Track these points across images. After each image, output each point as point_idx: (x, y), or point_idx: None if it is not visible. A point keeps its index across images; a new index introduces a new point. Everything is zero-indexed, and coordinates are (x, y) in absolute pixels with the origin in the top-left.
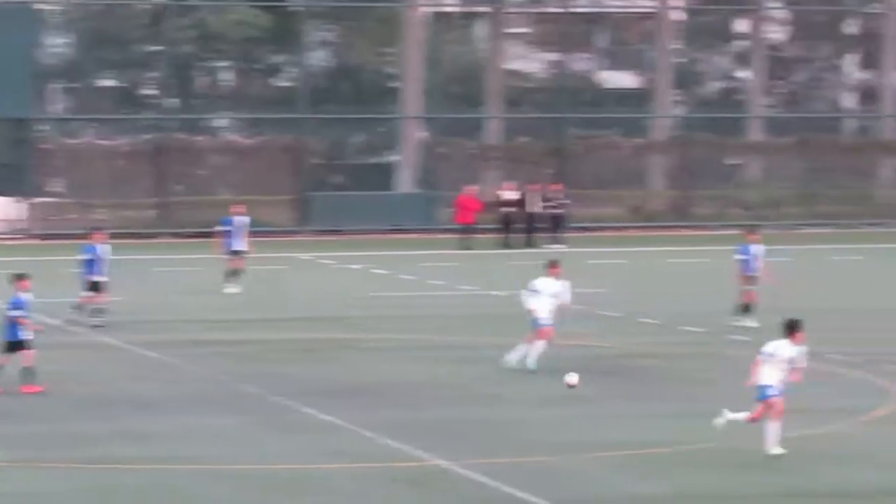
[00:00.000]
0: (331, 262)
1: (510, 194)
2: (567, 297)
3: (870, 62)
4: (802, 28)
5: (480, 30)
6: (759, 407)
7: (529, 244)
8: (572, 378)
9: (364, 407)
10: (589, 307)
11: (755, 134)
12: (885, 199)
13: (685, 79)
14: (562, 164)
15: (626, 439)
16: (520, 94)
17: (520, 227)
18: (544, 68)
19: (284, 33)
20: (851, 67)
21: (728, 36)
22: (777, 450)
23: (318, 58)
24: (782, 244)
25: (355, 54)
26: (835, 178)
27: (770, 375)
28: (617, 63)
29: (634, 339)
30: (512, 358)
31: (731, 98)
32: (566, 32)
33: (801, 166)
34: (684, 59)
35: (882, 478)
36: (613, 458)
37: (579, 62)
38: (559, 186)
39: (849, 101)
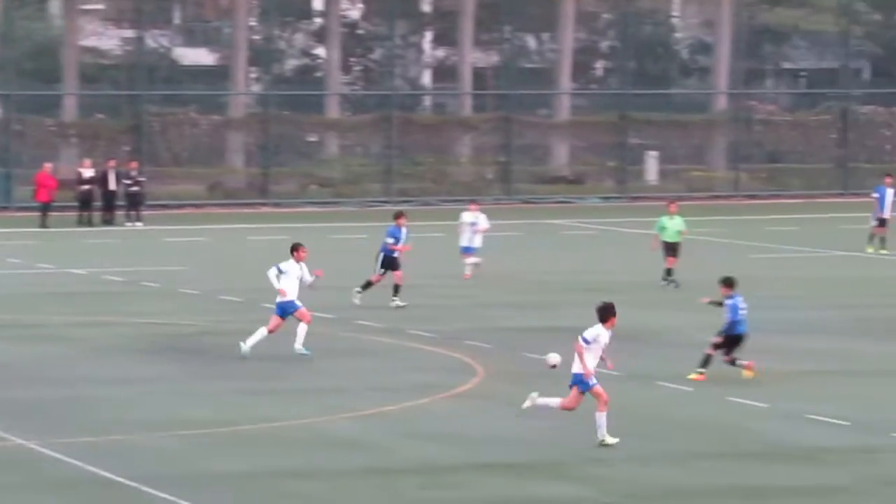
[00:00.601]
0: None
1: (88, 172)
2: (308, 278)
3: (447, 40)
4: (379, 5)
5: (55, 5)
6: (572, 394)
7: (108, 222)
8: (553, 358)
9: None
10: (169, 285)
11: (334, 111)
12: (462, 175)
13: (263, 56)
14: (139, 142)
15: (209, 417)
16: (96, 70)
17: (98, 204)
18: (121, 45)
19: None
20: (429, 45)
21: (306, 13)
22: (610, 439)
23: None
24: (363, 221)
25: None
26: (413, 155)
27: (589, 363)
28: (194, 39)
29: (215, 316)
30: (248, 344)
31: (309, 75)
32: (142, 9)
33: (380, 143)
34: (262, 36)
35: (461, 453)
36: (195, 435)
37: (156, 38)
38: (136, 164)
39: (427, 78)
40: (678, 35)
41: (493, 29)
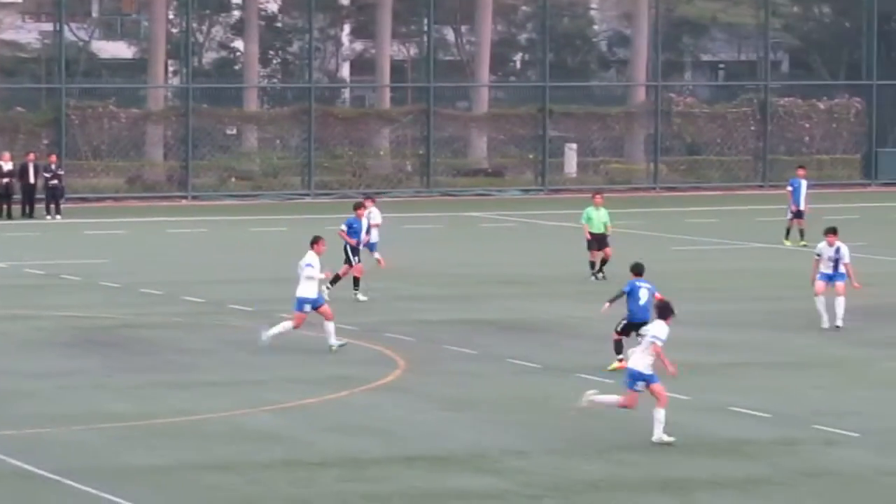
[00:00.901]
0: None
1: (7, 165)
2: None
3: (365, 32)
4: None
5: None
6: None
7: (29, 215)
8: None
9: None
10: (89, 278)
11: (253, 104)
12: (381, 168)
13: (182, 49)
14: (59, 135)
15: (129, 410)
16: (15, 63)
17: (18, 197)
18: (39, 38)
19: None
20: (347, 37)
21: (224, 6)
22: (667, 438)
23: None
24: (282, 214)
25: None
26: (333, 148)
27: (640, 360)
28: (113, 33)
29: (135, 309)
30: (335, 343)
31: (228, 68)
32: (61, 2)
33: (299, 136)
34: (181, 30)
35: (381, 446)
36: (116, 429)
37: (75, 32)
38: (56, 157)
39: (345, 71)
40: (597, 27)
41: (412, 21)
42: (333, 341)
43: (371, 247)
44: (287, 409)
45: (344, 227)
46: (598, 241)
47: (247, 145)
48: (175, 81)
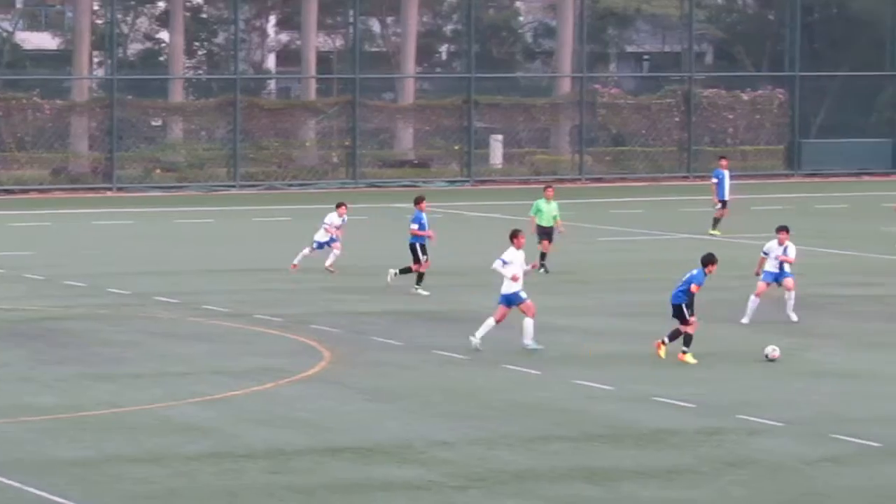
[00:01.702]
0: None
1: None
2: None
3: (291, 24)
4: None
5: None
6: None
7: None
8: (774, 351)
9: None
10: (14, 270)
11: (178, 95)
12: (307, 160)
13: (107, 40)
14: None
15: (54, 403)
16: None
17: None
18: None
19: None
20: (273, 29)
21: None
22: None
23: None
24: (208, 206)
25: None
26: (258, 139)
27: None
28: (37, 24)
29: (60, 301)
30: (478, 335)
31: (153, 59)
32: None
33: (225, 127)
34: (106, 21)
35: (307, 438)
36: (41, 422)
37: None
38: None
39: (271, 62)
40: (522, 19)
41: (338, 13)
42: (528, 342)
43: (322, 246)
44: (213, 401)
45: (415, 226)
46: (546, 234)
47: (172, 136)
48: (100, 73)
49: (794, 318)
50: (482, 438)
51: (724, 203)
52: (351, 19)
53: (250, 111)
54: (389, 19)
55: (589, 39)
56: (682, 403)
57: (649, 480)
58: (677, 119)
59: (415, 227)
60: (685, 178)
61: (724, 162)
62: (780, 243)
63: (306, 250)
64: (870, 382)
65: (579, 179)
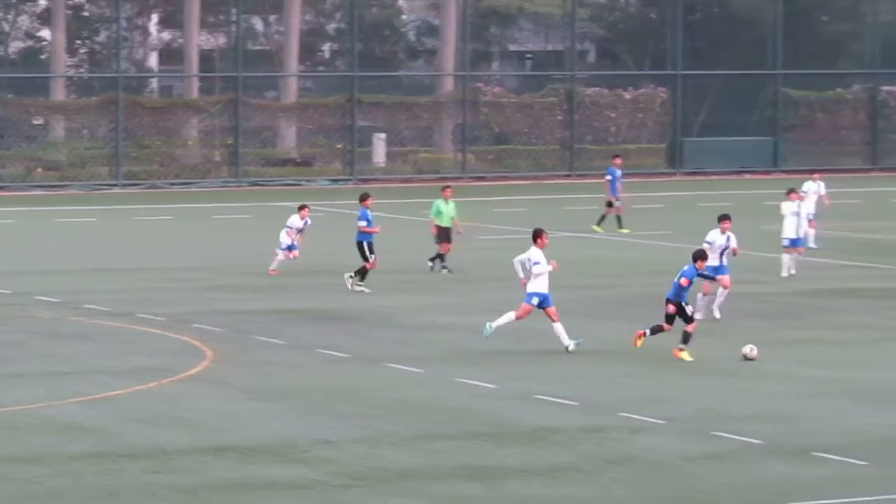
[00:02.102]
0: None
1: None
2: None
3: (173, 22)
4: None
5: None
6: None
7: None
8: (752, 351)
9: None
10: None
11: (60, 94)
12: (190, 159)
13: None
14: None
15: None
16: None
17: None
18: None
19: None
20: (155, 27)
21: None
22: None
23: None
24: (89, 205)
25: None
26: (141, 138)
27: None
28: None
29: None
30: (494, 324)
31: (34, 58)
32: None
33: (107, 126)
34: None
35: (189, 437)
36: None
37: None
38: None
39: (153, 60)
40: (405, 17)
41: (220, 11)
42: (567, 341)
43: (291, 248)
44: (95, 401)
45: (363, 223)
46: (445, 235)
47: (54, 135)
48: None
49: (718, 314)
50: (365, 437)
51: (613, 201)
52: (233, 17)
53: (132, 110)
54: (272, 18)
55: (471, 38)
56: (565, 401)
57: (532, 478)
58: (560, 118)
59: (363, 224)
60: (567, 176)
61: (617, 160)
62: (723, 232)
63: (280, 255)
64: (751, 380)
65: (462, 178)
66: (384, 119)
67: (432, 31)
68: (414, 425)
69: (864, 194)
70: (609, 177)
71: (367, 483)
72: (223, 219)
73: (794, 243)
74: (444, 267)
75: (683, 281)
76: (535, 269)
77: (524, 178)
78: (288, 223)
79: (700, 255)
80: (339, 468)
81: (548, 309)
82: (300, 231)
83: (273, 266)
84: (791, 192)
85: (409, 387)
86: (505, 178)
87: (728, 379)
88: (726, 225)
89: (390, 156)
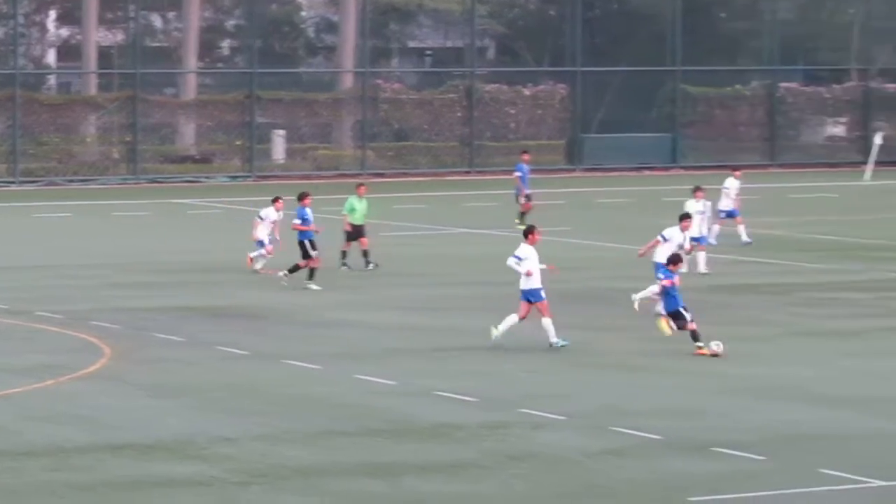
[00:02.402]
0: None
1: None
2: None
3: (71, 18)
4: None
5: None
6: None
7: None
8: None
9: None
10: None
11: None
12: (88, 156)
13: None
14: None
15: None
16: None
17: None
18: None
19: None
20: (53, 23)
21: None
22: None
23: None
24: None
25: None
26: (38, 135)
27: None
28: None
29: None
30: (500, 330)
31: None
32: None
33: (4, 123)
34: None
35: (88, 435)
36: None
37: None
38: None
39: (51, 57)
40: (304, 13)
41: (118, 7)
42: (553, 339)
43: (269, 242)
44: None
45: (297, 221)
46: (357, 232)
47: None
48: None
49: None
50: (264, 434)
51: (528, 197)
52: (132, 14)
53: (30, 106)
54: (171, 14)
55: (371, 34)
56: (466, 398)
57: (433, 475)
58: (459, 114)
59: (297, 222)
60: (467, 172)
61: (525, 156)
62: (683, 230)
63: (263, 251)
64: (651, 376)
65: (361, 174)
66: (283, 116)
67: (332, 27)
68: (313, 422)
69: (762, 190)
70: (518, 173)
71: (266, 480)
72: (122, 216)
73: (698, 241)
74: (369, 262)
75: (665, 282)
76: (520, 266)
77: (424, 174)
78: (262, 214)
79: (674, 260)
80: (239, 465)
81: (539, 304)
82: (274, 223)
83: (259, 265)
84: (697, 190)
85: (308, 383)
86: (405, 174)
87: (628, 375)
88: (687, 224)
89: (290, 152)
